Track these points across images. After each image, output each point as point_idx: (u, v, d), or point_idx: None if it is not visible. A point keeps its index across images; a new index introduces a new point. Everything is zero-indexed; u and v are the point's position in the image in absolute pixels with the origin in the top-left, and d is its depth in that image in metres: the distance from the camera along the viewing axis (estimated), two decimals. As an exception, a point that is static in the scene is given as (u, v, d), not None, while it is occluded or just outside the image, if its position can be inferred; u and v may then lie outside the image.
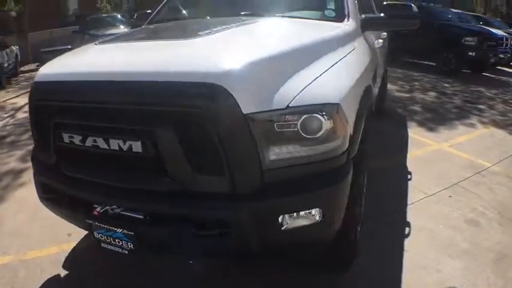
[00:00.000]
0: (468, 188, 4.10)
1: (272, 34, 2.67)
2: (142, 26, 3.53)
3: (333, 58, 2.31)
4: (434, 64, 10.68)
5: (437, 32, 10.06)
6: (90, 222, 2.11)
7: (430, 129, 5.94)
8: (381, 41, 4.85)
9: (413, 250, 3.16)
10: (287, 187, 1.87)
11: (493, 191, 4.06)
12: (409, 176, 4.33)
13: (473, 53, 9.82)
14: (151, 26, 3.43)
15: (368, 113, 2.54)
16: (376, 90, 4.07)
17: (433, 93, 8.24)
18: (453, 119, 6.41)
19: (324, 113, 1.84)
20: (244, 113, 1.75)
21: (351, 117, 2.07)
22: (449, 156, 4.94)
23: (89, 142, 1.95)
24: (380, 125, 5.97)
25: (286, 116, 1.81)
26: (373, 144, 4.89)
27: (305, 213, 1.94)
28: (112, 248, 2.12)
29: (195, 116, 1.77)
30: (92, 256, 2.91)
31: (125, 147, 1.87)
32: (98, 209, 2.09)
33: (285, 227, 1.93)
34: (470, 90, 8.62)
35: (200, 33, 2.38)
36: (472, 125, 6.15)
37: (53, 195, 2.29)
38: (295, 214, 1.92)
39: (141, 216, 2.02)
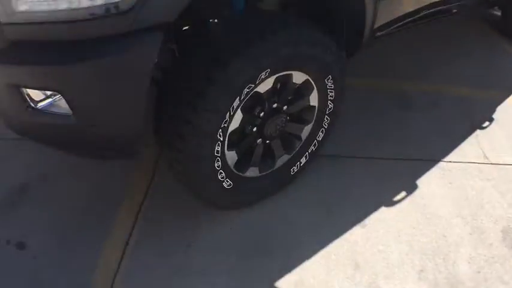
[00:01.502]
0: None
1: None
2: None
3: None
4: None
5: None
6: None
7: None
8: None
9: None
10: (27, 51, 1.39)
11: None
12: (486, 123, 2.59)
13: None
14: None
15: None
16: None
17: None
18: None
19: None
20: None
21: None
22: None
23: None
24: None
25: None
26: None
27: (54, 96, 1.46)
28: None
29: None
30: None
31: None
32: None
33: (35, 106, 1.49)
34: None
35: None
36: None
37: None
38: (39, 93, 1.47)
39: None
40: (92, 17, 1.28)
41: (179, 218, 1.96)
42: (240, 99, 1.54)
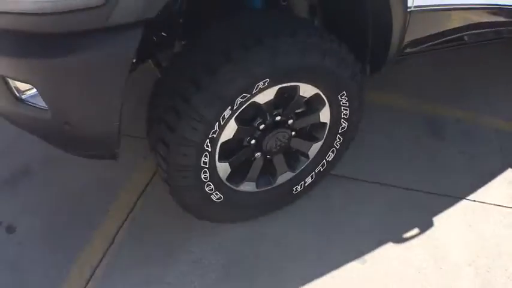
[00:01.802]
0: None
1: None
2: None
3: None
4: None
5: None
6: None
7: None
8: None
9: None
10: (9, 41, 1.32)
11: None
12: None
13: None
14: None
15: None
16: None
17: None
18: None
19: None
20: None
21: None
22: None
23: None
24: None
25: None
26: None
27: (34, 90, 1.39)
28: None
29: None
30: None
31: None
32: None
33: (20, 96, 1.44)
34: None
35: None
36: None
37: None
38: (20, 84, 1.40)
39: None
40: (64, 10, 1.18)
41: (168, 225, 1.86)
42: (232, 109, 1.39)
